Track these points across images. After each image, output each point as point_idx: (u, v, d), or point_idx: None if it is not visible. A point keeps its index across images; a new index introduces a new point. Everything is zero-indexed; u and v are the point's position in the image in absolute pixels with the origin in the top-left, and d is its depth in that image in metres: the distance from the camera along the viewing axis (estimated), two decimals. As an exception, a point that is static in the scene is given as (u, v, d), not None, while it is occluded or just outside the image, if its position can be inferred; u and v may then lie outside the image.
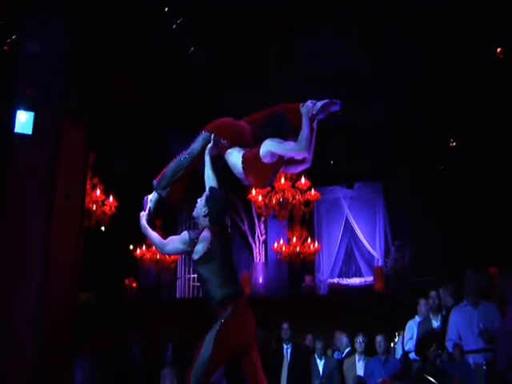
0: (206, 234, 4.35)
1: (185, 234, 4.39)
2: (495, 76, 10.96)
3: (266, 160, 4.42)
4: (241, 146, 4.64)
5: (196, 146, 4.75)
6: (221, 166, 4.79)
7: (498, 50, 10.68)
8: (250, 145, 4.65)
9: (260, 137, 4.54)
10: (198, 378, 4.13)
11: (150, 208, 4.84)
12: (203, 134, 4.74)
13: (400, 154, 14.17)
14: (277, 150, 4.39)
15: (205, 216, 4.47)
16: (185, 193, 4.91)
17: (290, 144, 4.41)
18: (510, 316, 6.13)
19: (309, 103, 4.48)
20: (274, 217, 13.63)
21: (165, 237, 4.55)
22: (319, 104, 4.51)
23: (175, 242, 4.44)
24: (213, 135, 4.67)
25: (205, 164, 4.73)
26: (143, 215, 4.72)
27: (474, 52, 10.61)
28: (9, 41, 8.29)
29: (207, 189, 4.65)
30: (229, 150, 4.64)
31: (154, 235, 4.55)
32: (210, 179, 4.69)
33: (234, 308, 4.22)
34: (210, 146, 4.68)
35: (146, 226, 4.63)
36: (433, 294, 7.77)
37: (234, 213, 16.45)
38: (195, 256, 4.33)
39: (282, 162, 4.54)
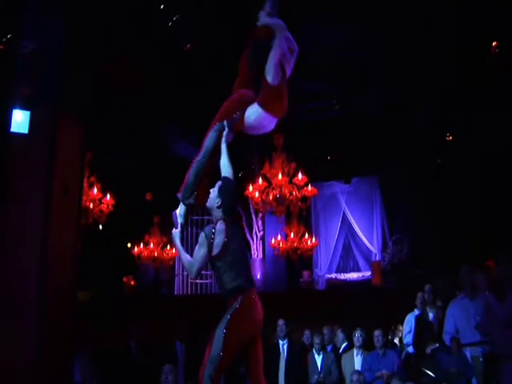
0: (220, 226, 4.30)
1: (201, 236, 4.32)
2: (494, 70, 11.00)
3: (276, 79, 4.49)
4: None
5: (209, 141, 4.68)
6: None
7: (494, 43, 10.70)
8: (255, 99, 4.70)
9: (258, 84, 4.63)
10: (211, 374, 4.08)
11: (181, 224, 4.67)
12: (215, 127, 4.69)
13: (396, 149, 14.21)
14: (275, 56, 4.47)
15: (218, 207, 4.41)
16: (209, 190, 4.80)
17: (275, 44, 4.49)
18: (509, 301, 6.16)
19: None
20: (272, 213, 13.66)
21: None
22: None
23: (197, 251, 4.32)
24: (225, 121, 4.66)
25: (221, 153, 4.67)
26: (176, 233, 4.57)
27: (472, 46, 10.63)
28: (4, 40, 8.27)
29: (222, 177, 4.58)
30: (244, 116, 4.66)
31: (186, 257, 4.41)
32: (226, 167, 4.61)
33: (243, 299, 4.21)
34: (225, 132, 4.64)
35: (181, 247, 4.48)
36: (427, 287, 7.82)
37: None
38: (215, 250, 4.25)
39: (285, 76, 4.62)
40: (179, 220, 4.65)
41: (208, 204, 4.50)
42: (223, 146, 4.66)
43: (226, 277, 4.26)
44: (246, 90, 4.79)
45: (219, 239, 4.26)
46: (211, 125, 4.75)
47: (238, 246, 4.37)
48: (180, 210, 4.71)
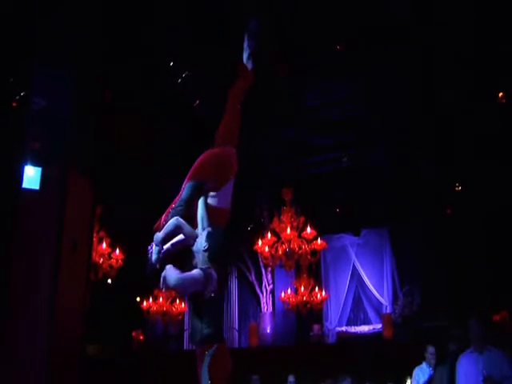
0: (213, 274, 4.28)
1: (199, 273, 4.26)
2: (499, 121, 11.09)
3: None
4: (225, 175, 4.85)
5: (186, 193, 4.72)
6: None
7: (500, 94, 10.80)
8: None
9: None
10: None
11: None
12: (191, 183, 4.75)
13: (405, 200, 14.21)
14: None
15: (205, 251, 4.34)
16: None
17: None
18: None
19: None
20: (281, 266, 13.60)
21: None
22: None
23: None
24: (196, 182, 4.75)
25: (198, 206, 4.72)
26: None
27: (477, 95, 10.74)
28: (17, 97, 8.44)
29: (201, 227, 4.60)
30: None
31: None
32: (204, 220, 4.66)
33: (218, 347, 4.17)
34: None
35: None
36: (431, 349, 7.73)
37: (241, 263, 16.46)
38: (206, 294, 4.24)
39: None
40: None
41: (194, 247, 4.44)
42: (200, 201, 4.72)
43: (203, 321, 4.21)
44: (225, 150, 4.96)
45: (210, 286, 4.24)
46: (187, 178, 4.81)
47: (221, 295, 4.41)
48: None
